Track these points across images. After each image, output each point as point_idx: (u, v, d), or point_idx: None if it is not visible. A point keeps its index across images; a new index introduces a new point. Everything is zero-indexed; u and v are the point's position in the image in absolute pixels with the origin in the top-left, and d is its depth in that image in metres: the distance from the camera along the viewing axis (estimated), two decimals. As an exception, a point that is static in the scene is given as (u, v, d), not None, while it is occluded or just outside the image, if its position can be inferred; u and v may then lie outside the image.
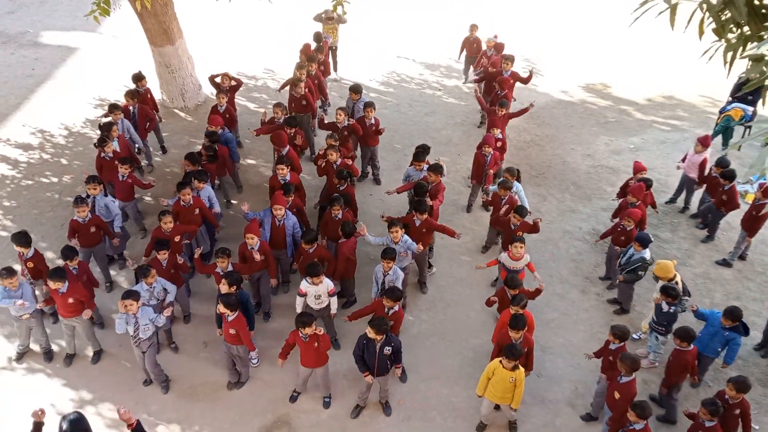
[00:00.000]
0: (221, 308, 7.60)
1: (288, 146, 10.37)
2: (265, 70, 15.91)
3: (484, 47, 14.29)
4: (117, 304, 9.19)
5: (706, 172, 10.76)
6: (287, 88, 12.31)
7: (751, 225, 9.91)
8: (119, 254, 10.02)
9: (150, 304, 8.19)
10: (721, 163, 10.32)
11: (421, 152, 10.18)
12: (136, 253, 10.04)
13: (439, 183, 9.74)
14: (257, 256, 8.59)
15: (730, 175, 10.08)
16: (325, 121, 11.28)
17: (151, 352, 7.97)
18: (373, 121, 11.22)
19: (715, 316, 8.01)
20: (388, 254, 8.21)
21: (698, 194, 11.26)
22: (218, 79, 12.08)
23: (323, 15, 14.36)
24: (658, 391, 8.13)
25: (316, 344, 7.53)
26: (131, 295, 7.57)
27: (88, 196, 9.35)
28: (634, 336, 8.99)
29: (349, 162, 10.42)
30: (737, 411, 6.99)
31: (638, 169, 10.12)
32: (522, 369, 7.20)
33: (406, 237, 8.83)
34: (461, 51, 15.04)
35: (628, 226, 9.21)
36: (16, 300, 8.00)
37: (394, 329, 7.87)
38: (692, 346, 7.47)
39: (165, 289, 8.34)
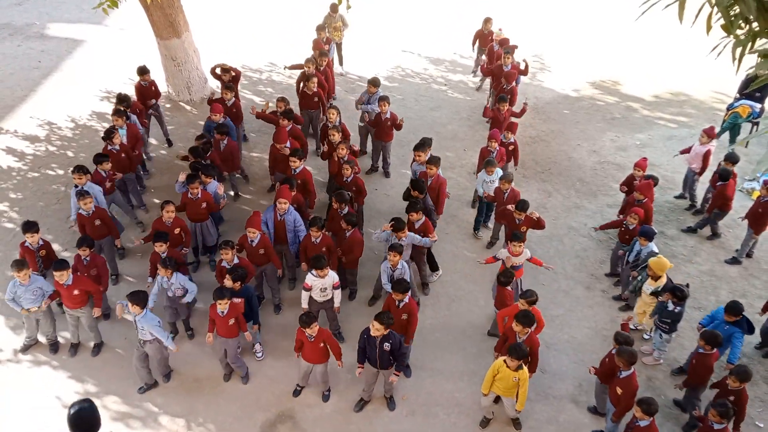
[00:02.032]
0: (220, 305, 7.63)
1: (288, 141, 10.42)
2: (269, 63, 15.89)
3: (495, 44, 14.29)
4: (122, 296, 9.28)
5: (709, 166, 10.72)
6: (293, 77, 12.25)
7: (756, 222, 9.87)
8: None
9: (171, 295, 8.27)
10: (731, 158, 10.27)
11: (421, 144, 10.16)
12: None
13: (438, 176, 9.73)
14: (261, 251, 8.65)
15: (724, 175, 10.04)
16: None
17: (155, 353, 7.97)
18: (388, 115, 11.18)
19: (719, 311, 7.98)
20: (395, 248, 8.21)
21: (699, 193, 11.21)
22: (218, 71, 12.02)
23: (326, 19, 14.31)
24: (683, 396, 8.08)
25: (321, 344, 7.56)
26: (135, 296, 7.50)
27: (76, 186, 9.37)
28: (645, 336, 8.95)
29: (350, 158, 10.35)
30: (732, 398, 6.97)
31: (637, 164, 10.06)
32: (526, 369, 7.14)
33: (410, 233, 8.80)
34: (474, 42, 14.97)
35: (632, 224, 9.18)
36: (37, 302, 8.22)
37: (410, 323, 7.86)
38: (715, 350, 7.41)
39: (183, 287, 8.34)
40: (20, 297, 8.13)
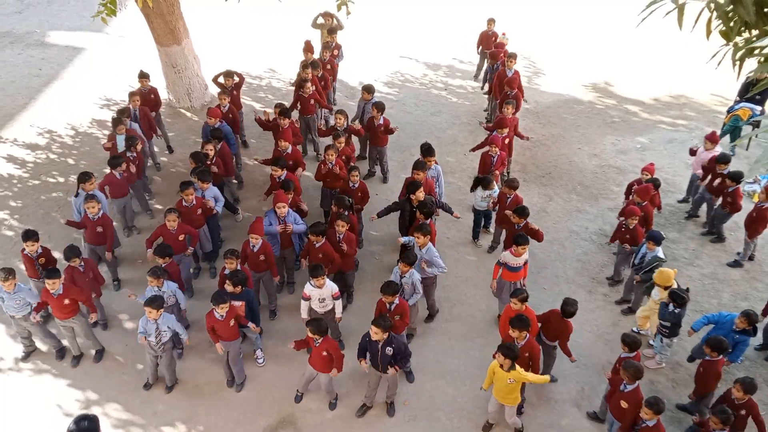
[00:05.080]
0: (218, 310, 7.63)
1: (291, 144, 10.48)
2: (269, 69, 15.92)
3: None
4: (124, 303, 9.29)
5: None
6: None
7: (750, 226, 9.89)
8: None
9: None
10: (722, 159, 10.27)
11: (426, 150, 10.17)
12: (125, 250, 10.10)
13: (426, 180, 9.74)
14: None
15: (736, 177, 10.03)
16: (323, 128, 11.25)
17: (169, 355, 8.00)
18: (381, 121, 11.20)
19: (725, 318, 7.95)
20: (408, 259, 8.16)
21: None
22: (221, 79, 12.06)
23: (320, 21, 14.20)
24: (687, 400, 8.07)
25: (325, 353, 7.53)
26: (153, 302, 7.57)
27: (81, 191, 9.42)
28: (651, 342, 8.90)
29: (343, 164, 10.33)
30: (743, 411, 6.95)
31: (645, 169, 10.08)
32: (519, 369, 7.04)
33: (431, 246, 8.65)
34: (478, 46, 14.98)
35: (631, 224, 9.17)
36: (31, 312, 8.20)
37: (403, 321, 7.88)
38: (721, 356, 7.39)
39: (175, 295, 8.33)
40: (6, 302, 8.14)
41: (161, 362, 8.06)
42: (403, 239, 8.97)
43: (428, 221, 9.07)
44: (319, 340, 7.40)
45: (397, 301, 7.79)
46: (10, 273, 7.96)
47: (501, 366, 7.01)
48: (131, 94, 11.38)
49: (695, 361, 8.36)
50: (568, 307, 7.62)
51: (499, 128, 10.95)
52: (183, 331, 8.01)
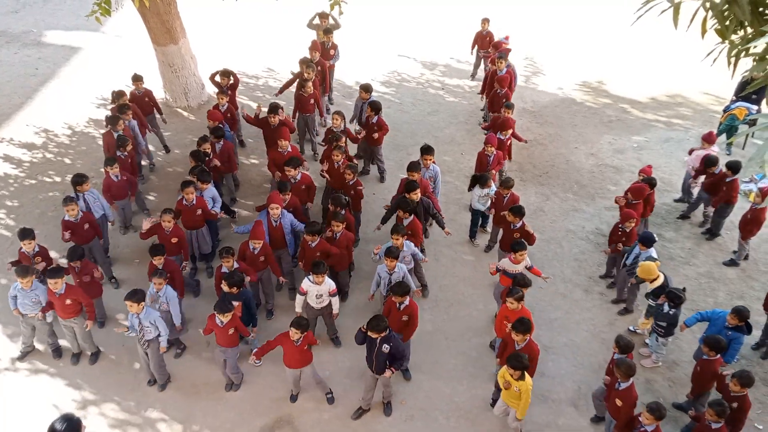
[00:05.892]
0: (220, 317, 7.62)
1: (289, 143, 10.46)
2: (267, 68, 15.90)
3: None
4: (121, 302, 9.25)
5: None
6: (291, 87, 12.24)
7: (744, 227, 9.92)
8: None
9: (156, 309, 8.18)
10: (709, 162, 10.33)
11: (426, 149, 10.17)
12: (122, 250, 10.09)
13: (421, 179, 9.76)
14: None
15: (735, 168, 10.03)
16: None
17: (157, 355, 7.99)
18: (375, 120, 11.19)
19: (717, 316, 7.97)
20: (392, 253, 8.20)
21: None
22: (218, 78, 12.04)
23: (316, 21, 14.13)
24: (684, 399, 8.09)
25: (306, 347, 7.58)
26: (134, 295, 7.59)
27: (77, 194, 9.44)
28: (646, 341, 8.91)
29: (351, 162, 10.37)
30: (735, 404, 6.96)
31: (642, 171, 10.11)
32: (529, 380, 6.98)
33: (409, 243, 8.78)
34: (473, 46, 14.97)
35: (628, 228, 9.18)
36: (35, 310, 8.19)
37: (411, 323, 7.87)
38: (719, 355, 7.41)
39: (168, 303, 8.24)
40: (19, 300, 8.14)
41: (150, 361, 8.05)
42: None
43: (411, 219, 9.05)
44: (301, 338, 7.43)
45: (406, 301, 7.77)
46: (27, 270, 7.96)
47: (511, 375, 6.96)
48: (120, 94, 11.24)
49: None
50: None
51: (501, 130, 10.95)
52: (165, 333, 7.90)
